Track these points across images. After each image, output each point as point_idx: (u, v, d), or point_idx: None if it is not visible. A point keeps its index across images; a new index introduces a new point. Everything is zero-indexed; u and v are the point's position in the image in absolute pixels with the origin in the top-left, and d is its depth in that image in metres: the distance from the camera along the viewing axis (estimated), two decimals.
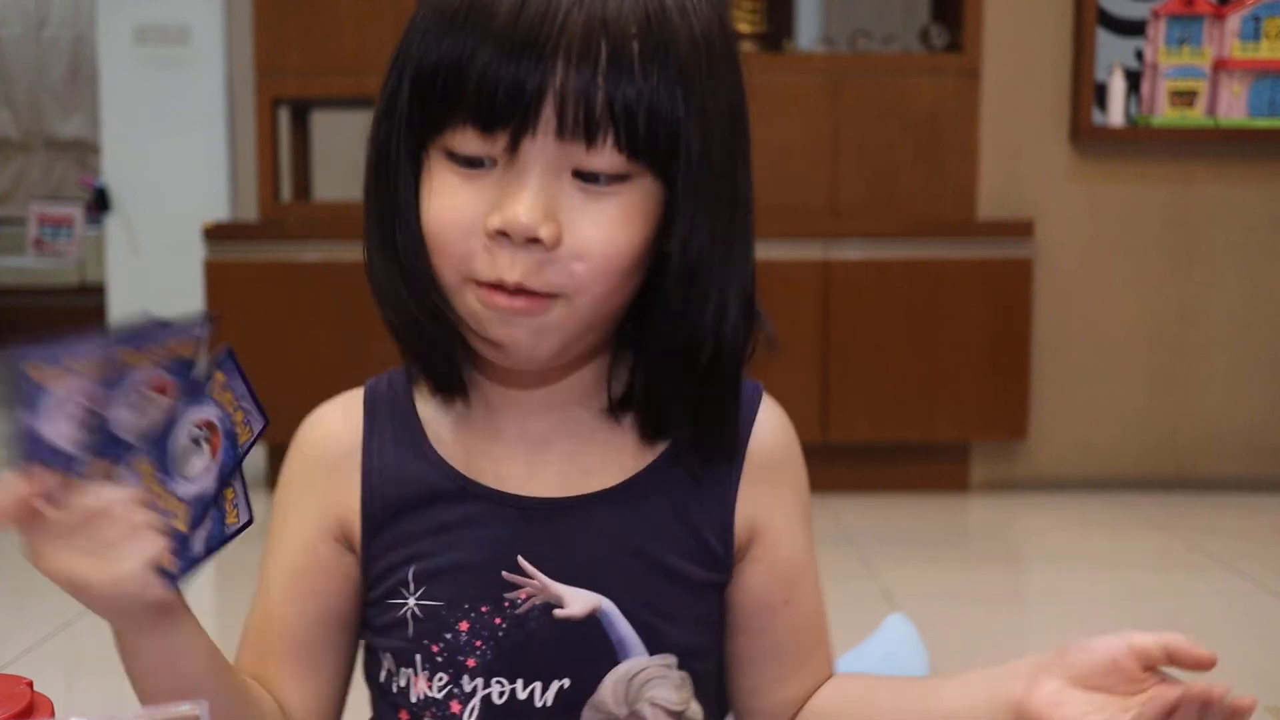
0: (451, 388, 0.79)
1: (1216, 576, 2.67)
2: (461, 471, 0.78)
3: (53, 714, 0.62)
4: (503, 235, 0.68)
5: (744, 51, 3.59)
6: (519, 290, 0.69)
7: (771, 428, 0.83)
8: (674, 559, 0.78)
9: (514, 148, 0.68)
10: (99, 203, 6.97)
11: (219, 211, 6.62)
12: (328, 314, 3.32)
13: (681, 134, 0.70)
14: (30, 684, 0.63)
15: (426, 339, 0.75)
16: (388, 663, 0.79)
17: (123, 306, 6.83)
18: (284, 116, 3.66)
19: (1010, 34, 3.38)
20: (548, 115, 0.67)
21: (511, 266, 0.69)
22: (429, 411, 0.81)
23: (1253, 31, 3.29)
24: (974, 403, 3.32)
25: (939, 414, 3.32)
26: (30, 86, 8.17)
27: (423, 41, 0.70)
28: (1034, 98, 3.39)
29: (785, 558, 0.81)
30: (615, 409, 0.78)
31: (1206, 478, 3.46)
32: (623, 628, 0.75)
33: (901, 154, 3.38)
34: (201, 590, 2.56)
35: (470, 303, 0.71)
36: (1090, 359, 3.44)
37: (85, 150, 8.07)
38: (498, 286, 0.70)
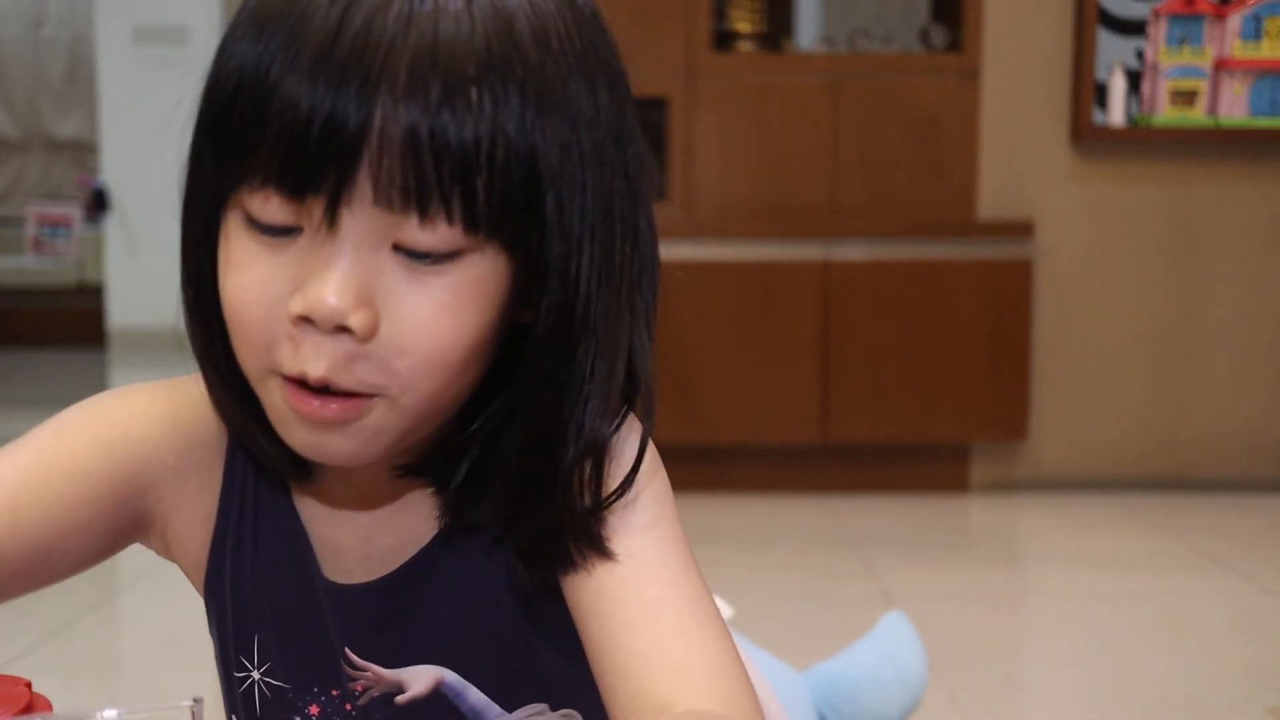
0: (298, 474, 0.67)
1: (1216, 576, 2.67)
2: (315, 549, 0.69)
3: (51, 714, 0.62)
4: (307, 321, 0.56)
5: (742, 52, 3.55)
6: (325, 389, 0.57)
7: None
8: (492, 611, 0.68)
9: (330, 219, 0.55)
10: (97, 203, 6.98)
11: None
12: None
13: (540, 195, 0.56)
14: (29, 684, 0.63)
15: (252, 428, 0.64)
16: None
17: (121, 306, 6.84)
18: None
19: (1010, 34, 3.38)
20: (363, 180, 0.54)
21: (316, 359, 0.56)
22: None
23: (1253, 31, 3.29)
24: (974, 403, 3.32)
25: (939, 414, 3.32)
26: (28, 86, 8.17)
27: (222, 56, 0.57)
28: (1034, 98, 3.39)
29: (591, 588, 0.64)
30: (411, 472, 0.66)
31: (1206, 478, 3.46)
32: (472, 695, 0.68)
33: (901, 154, 3.38)
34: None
35: (275, 398, 0.59)
36: (1090, 359, 3.44)
37: (84, 150, 8.07)
38: (303, 384, 0.57)
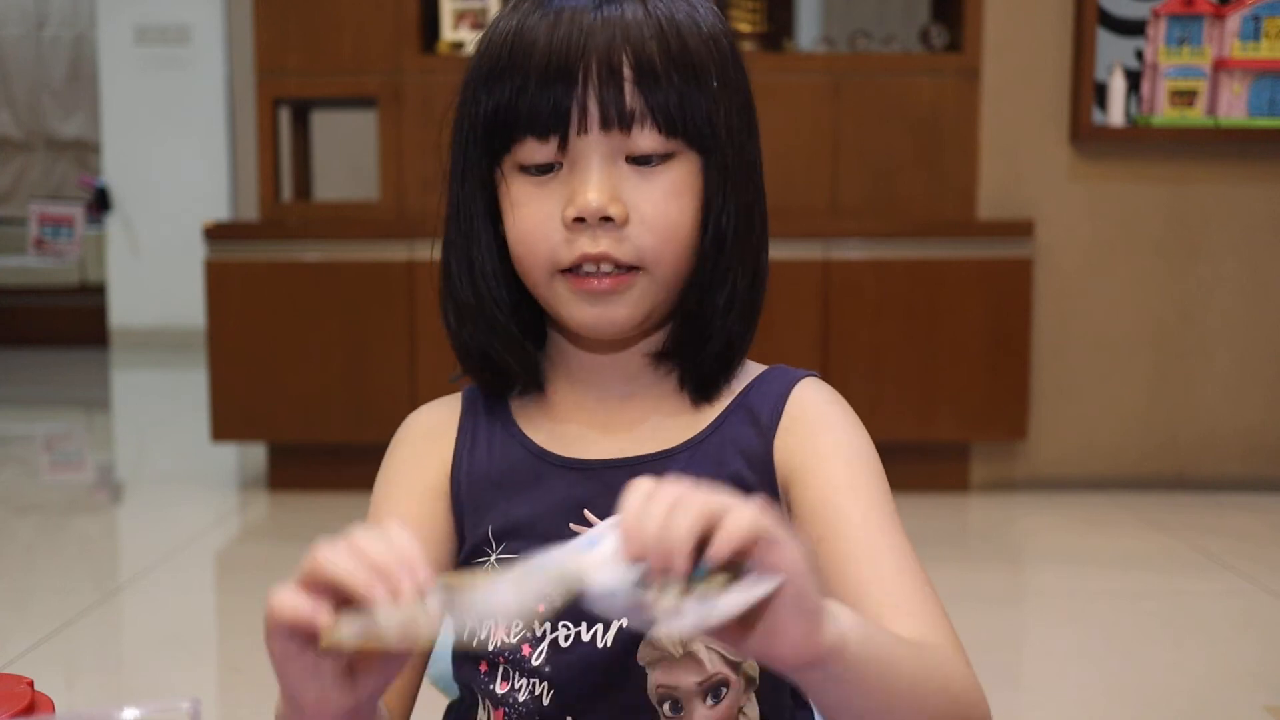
0: (526, 384, 0.89)
1: (1216, 576, 2.67)
2: (541, 445, 0.87)
3: (53, 713, 0.62)
4: (580, 221, 0.79)
5: (745, 51, 3.60)
6: (603, 268, 0.80)
7: (812, 392, 0.89)
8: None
9: (566, 145, 0.79)
10: (99, 202, 6.99)
11: (219, 211, 6.63)
12: (328, 314, 3.32)
13: (710, 113, 0.81)
14: (31, 683, 0.63)
15: (501, 342, 0.86)
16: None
17: (123, 306, 6.84)
18: (284, 116, 3.66)
19: (1010, 34, 3.38)
20: (592, 112, 0.78)
21: (593, 242, 0.79)
22: (519, 403, 0.91)
23: (1252, 31, 3.29)
24: (974, 403, 3.32)
25: (939, 414, 3.33)
26: (31, 86, 8.17)
27: (478, 92, 0.82)
28: (1034, 98, 3.39)
29: (813, 499, 0.83)
30: (658, 365, 0.88)
31: (1206, 478, 3.46)
32: None
33: (901, 154, 3.39)
34: (202, 589, 2.55)
35: (561, 291, 0.82)
36: (1090, 359, 3.44)
37: (85, 150, 8.07)
38: (583, 271, 0.80)
